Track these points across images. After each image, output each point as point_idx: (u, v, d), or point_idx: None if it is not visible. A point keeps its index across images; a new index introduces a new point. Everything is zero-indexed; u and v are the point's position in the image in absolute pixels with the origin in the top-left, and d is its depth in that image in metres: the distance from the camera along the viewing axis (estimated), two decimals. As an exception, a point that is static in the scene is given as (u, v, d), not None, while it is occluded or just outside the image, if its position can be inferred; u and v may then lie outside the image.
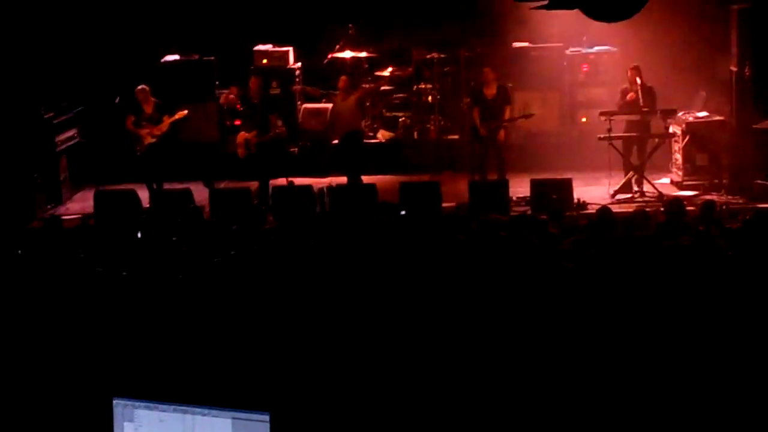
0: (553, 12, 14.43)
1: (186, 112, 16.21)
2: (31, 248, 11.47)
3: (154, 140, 15.99)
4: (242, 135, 15.78)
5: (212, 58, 17.68)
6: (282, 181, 15.60)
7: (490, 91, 15.97)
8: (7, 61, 15.95)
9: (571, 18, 16.48)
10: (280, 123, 16.32)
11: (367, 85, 17.07)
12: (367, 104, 17.37)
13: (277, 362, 6.96)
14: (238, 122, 15.89)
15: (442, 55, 17.67)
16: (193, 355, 7.29)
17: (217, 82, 17.60)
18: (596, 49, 17.28)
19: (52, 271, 9.92)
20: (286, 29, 17.78)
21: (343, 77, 16.60)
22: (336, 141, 16.76)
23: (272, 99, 16.89)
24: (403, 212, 12.89)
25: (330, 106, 17.15)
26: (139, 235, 11.81)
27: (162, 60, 17.66)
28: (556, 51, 17.36)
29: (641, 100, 15.49)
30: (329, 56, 17.74)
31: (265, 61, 17.46)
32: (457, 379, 6.87)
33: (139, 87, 16.04)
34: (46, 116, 16.45)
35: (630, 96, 15.50)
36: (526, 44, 17.46)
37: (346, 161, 16.48)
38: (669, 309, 7.62)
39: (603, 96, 16.92)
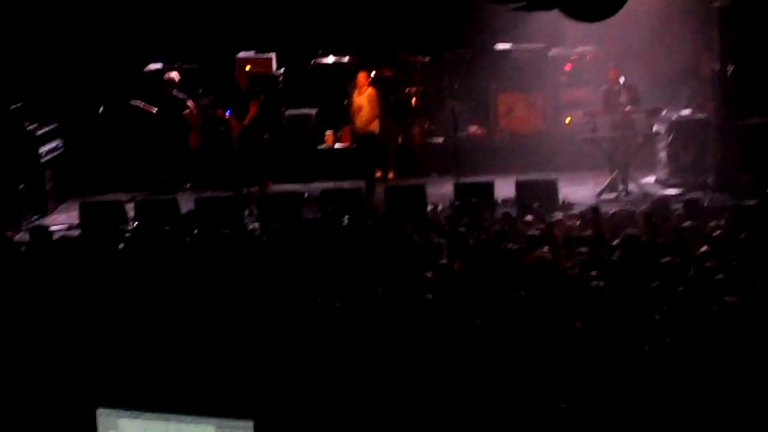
0: (535, 13, 14.47)
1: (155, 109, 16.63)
2: (18, 259, 11.46)
3: None
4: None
5: (195, 65, 17.67)
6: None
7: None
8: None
9: (552, 19, 16.55)
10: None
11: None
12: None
13: (261, 370, 6.96)
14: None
15: (426, 59, 17.67)
16: (176, 364, 7.28)
17: (200, 90, 17.59)
18: (578, 49, 17.30)
19: (40, 281, 9.92)
20: (268, 36, 17.75)
21: (361, 72, 16.51)
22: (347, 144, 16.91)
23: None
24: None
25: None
26: (120, 246, 11.78)
27: (145, 69, 17.63)
28: (538, 52, 17.38)
29: (625, 99, 15.53)
30: (312, 62, 17.73)
31: (248, 68, 17.39)
32: (446, 384, 6.88)
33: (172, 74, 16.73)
34: (29, 128, 16.41)
35: (617, 95, 15.51)
36: (508, 46, 17.48)
37: (360, 164, 16.43)
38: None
39: (586, 96, 16.94)
